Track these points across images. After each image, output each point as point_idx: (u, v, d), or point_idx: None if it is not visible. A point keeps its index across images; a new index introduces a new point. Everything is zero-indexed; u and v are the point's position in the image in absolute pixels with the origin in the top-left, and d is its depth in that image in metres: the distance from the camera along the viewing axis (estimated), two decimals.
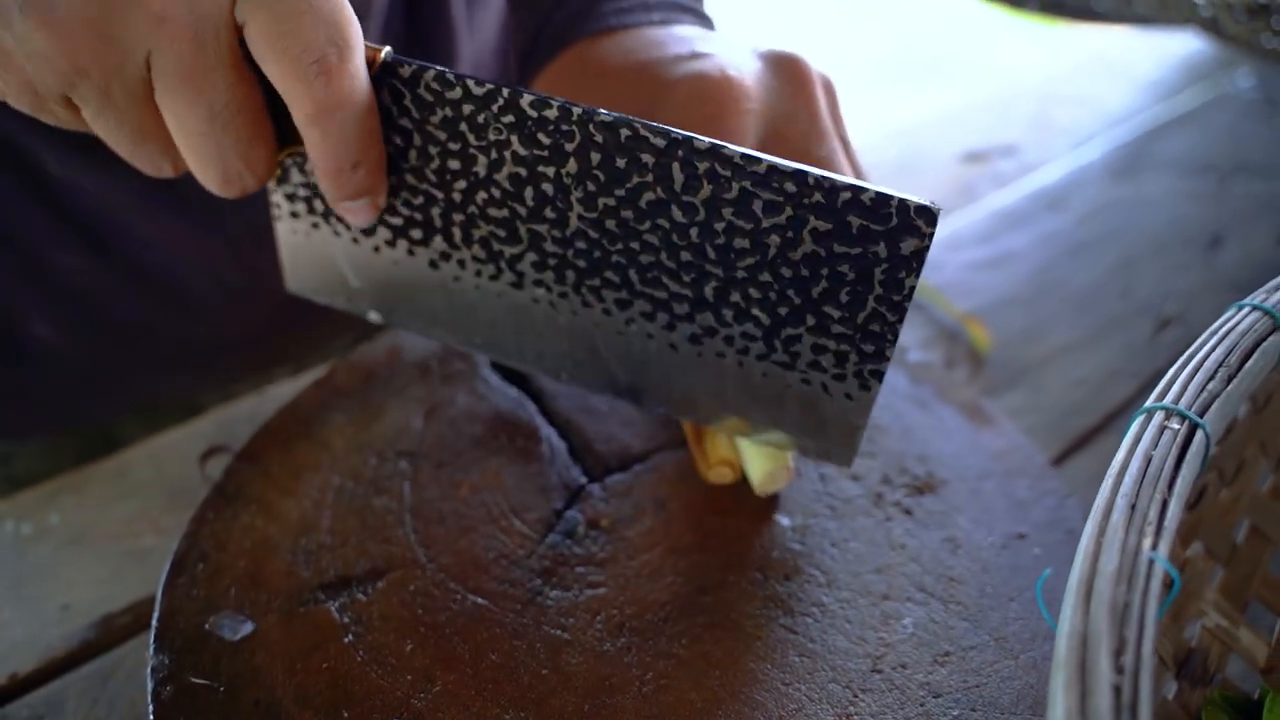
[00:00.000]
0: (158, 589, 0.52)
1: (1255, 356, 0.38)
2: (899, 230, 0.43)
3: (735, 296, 0.47)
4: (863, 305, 0.45)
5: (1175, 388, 0.36)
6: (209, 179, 0.43)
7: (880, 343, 0.46)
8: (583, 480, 0.54)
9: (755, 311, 0.47)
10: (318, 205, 0.50)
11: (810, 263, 0.45)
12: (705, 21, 0.59)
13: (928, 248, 0.43)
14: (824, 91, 0.53)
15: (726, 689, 0.44)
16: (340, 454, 0.54)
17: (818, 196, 0.43)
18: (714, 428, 0.52)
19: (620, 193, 0.46)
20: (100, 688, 0.50)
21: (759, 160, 0.43)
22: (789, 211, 0.44)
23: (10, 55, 0.38)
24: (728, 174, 0.44)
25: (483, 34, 0.81)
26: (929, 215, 0.42)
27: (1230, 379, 0.37)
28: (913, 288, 0.44)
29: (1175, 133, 1.09)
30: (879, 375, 0.47)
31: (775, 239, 0.45)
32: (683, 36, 0.54)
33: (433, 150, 0.47)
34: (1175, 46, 1.28)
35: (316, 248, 0.53)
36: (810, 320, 0.46)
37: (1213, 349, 0.38)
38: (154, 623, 0.45)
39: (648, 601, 0.48)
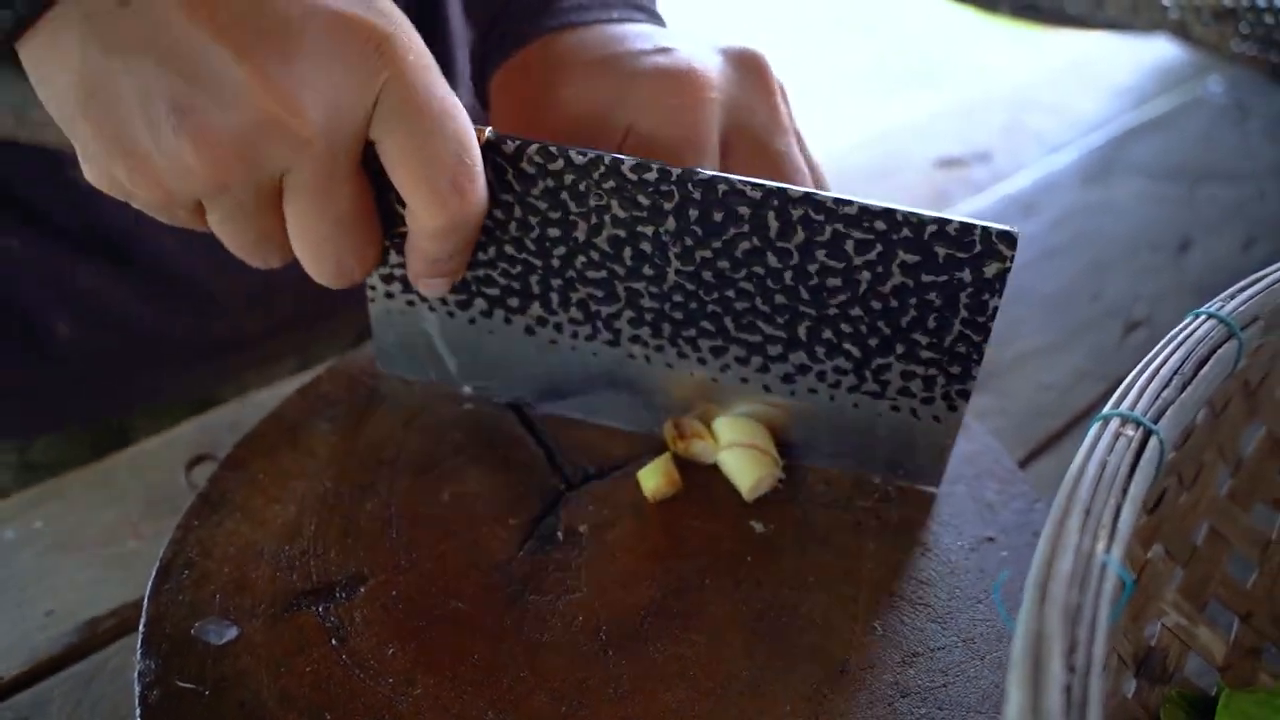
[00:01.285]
0: (144, 594, 0.53)
1: (1210, 364, 0.39)
2: (982, 256, 0.45)
3: (827, 333, 0.49)
4: (949, 329, 0.47)
5: (1131, 395, 0.37)
6: (322, 276, 0.46)
7: (967, 363, 0.48)
8: (561, 487, 0.54)
9: (847, 346, 0.49)
10: None
11: (899, 294, 0.47)
12: (659, 21, 0.60)
13: (1009, 269, 0.45)
14: (779, 87, 0.55)
15: (700, 690, 0.45)
16: (324, 461, 0.55)
17: (906, 231, 0.45)
18: (805, 463, 0.55)
19: (717, 245, 0.48)
20: (84, 690, 0.50)
21: (850, 203, 0.45)
22: (879, 248, 0.46)
23: (152, 162, 0.40)
24: (820, 218, 0.46)
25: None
26: (1009, 239, 0.45)
27: (1185, 386, 0.38)
28: (996, 308, 0.46)
29: (1146, 138, 1.10)
30: (965, 395, 0.49)
31: (866, 274, 0.47)
32: (644, 33, 0.56)
33: (533, 220, 0.49)
34: (1149, 52, 1.29)
35: (410, 324, 0.55)
36: (900, 349, 0.49)
37: (1169, 357, 0.39)
38: (141, 628, 0.46)
39: (624, 605, 0.48)
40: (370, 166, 0.44)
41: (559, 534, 0.52)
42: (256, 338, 0.81)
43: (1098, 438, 0.35)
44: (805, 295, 0.48)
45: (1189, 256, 0.90)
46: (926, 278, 0.46)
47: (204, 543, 0.50)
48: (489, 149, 0.47)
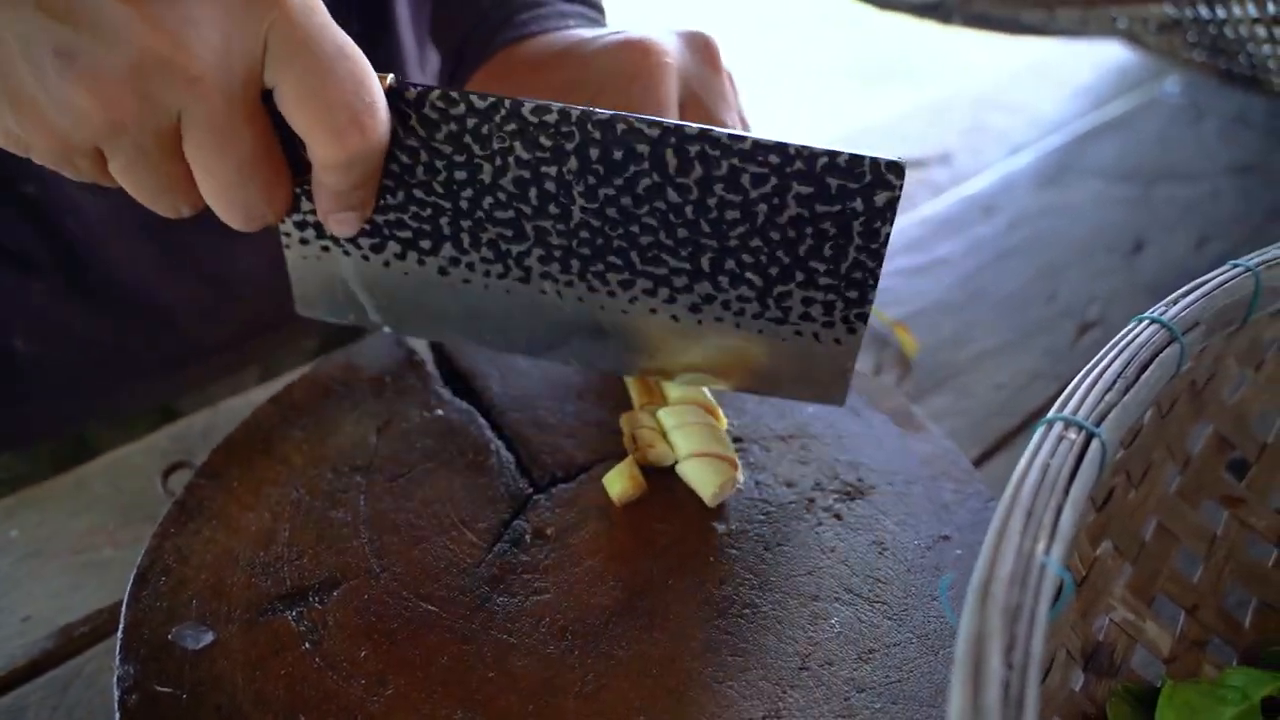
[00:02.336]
0: (119, 600, 0.53)
1: (1153, 367, 0.40)
2: (872, 185, 0.47)
3: (730, 264, 0.51)
4: (845, 256, 0.49)
5: (1075, 399, 0.38)
6: (233, 220, 0.46)
7: (862, 288, 0.50)
8: (529, 490, 0.55)
9: (749, 275, 0.51)
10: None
11: (796, 224, 0.49)
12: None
13: (899, 197, 0.48)
14: (726, 69, 0.57)
15: (663, 687, 0.46)
16: (298, 468, 0.56)
17: (799, 164, 0.47)
18: (713, 386, 0.56)
19: (619, 182, 0.49)
20: (60, 695, 0.51)
21: (744, 138, 0.47)
22: (774, 181, 0.48)
23: (42, 110, 0.40)
24: (716, 153, 0.47)
25: (433, 66, 0.83)
26: (898, 169, 0.47)
27: (1128, 390, 0.39)
28: (888, 235, 0.49)
29: (1103, 139, 1.12)
30: (864, 318, 0.51)
31: (763, 207, 0.49)
32: (598, 30, 0.58)
33: (439, 164, 0.50)
34: (1108, 54, 1.31)
35: (327, 269, 0.55)
36: (799, 276, 0.50)
37: (1112, 361, 0.40)
38: (119, 634, 0.47)
39: (589, 606, 0.49)
40: (274, 112, 0.44)
41: (527, 537, 0.53)
42: (214, 348, 0.81)
43: (1041, 441, 0.36)
44: (706, 228, 0.50)
45: (1143, 257, 0.91)
46: (821, 208, 0.48)
47: (181, 549, 0.51)
48: (392, 96, 0.47)
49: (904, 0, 1.08)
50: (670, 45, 0.54)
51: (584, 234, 0.51)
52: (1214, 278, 0.45)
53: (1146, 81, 1.25)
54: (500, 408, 0.61)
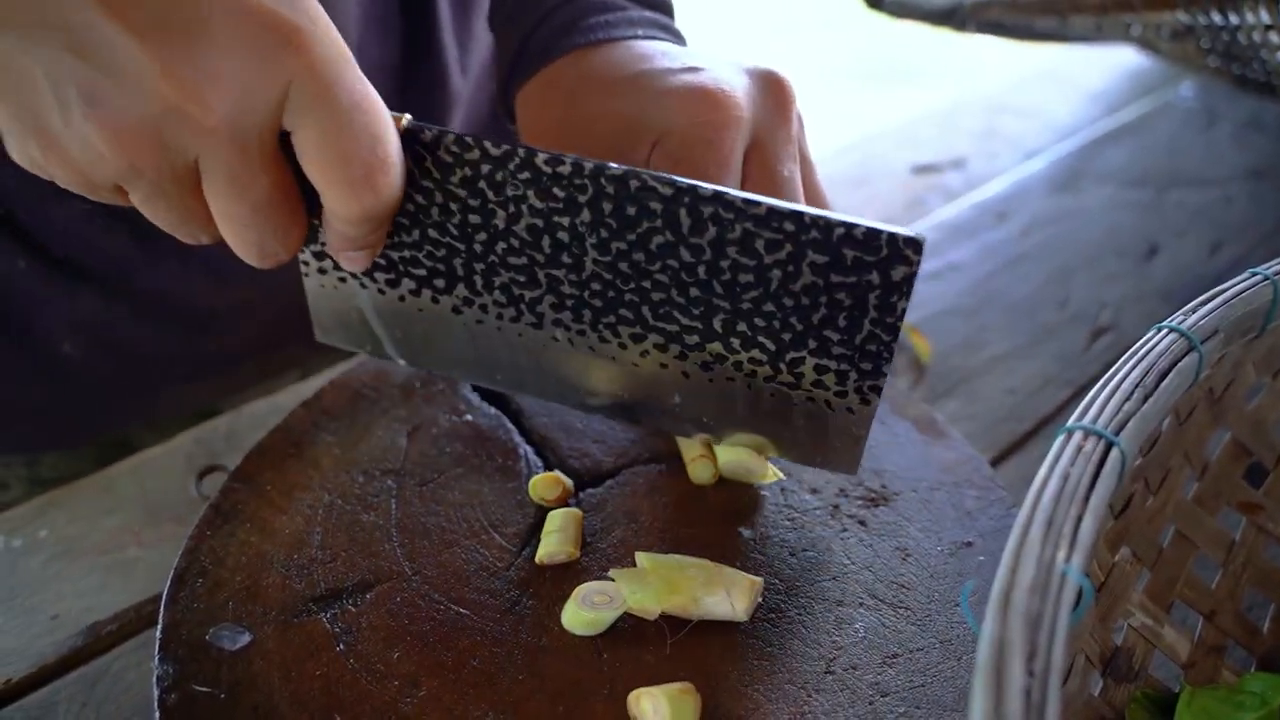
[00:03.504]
0: (150, 600, 0.55)
1: (1171, 376, 0.40)
2: (889, 260, 0.46)
3: (742, 326, 0.50)
4: (859, 328, 0.48)
5: (1094, 408, 0.38)
6: (248, 257, 0.46)
7: (877, 360, 0.49)
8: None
9: (761, 339, 0.50)
10: None
11: (810, 292, 0.48)
12: (682, 41, 0.61)
13: (915, 274, 0.47)
14: (797, 114, 0.56)
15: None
16: (329, 473, 0.57)
17: (814, 233, 0.46)
18: (726, 443, 0.56)
19: (631, 237, 0.49)
20: (89, 692, 0.52)
21: (759, 204, 0.46)
22: (789, 248, 0.47)
23: (65, 145, 0.41)
24: (730, 216, 0.47)
25: (474, 71, 0.83)
26: (915, 245, 0.46)
27: (1146, 398, 0.39)
28: (904, 310, 0.47)
29: (1117, 144, 1.12)
30: (878, 390, 0.50)
31: (777, 273, 0.48)
32: (670, 51, 0.57)
33: (454, 206, 0.50)
34: (1122, 59, 1.31)
35: (344, 300, 0.55)
36: (812, 344, 0.50)
37: (1131, 370, 0.40)
38: (158, 634, 0.47)
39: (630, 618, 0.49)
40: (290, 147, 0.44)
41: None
42: (253, 352, 0.82)
43: (1061, 450, 0.36)
44: (719, 289, 0.49)
45: (1156, 262, 0.91)
46: (836, 278, 0.47)
47: (216, 552, 0.52)
48: (408, 137, 0.47)
49: (919, 7, 1.08)
50: (742, 94, 0.53)
51: (596, 285, 0.51)
52: (1232, 286, 0.46)
53: (1160, 87, 1.25)
54: (528, 413, 0.61)
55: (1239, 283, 0.46)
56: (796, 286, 0.48)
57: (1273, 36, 0.86)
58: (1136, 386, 0.40)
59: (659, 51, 0.57)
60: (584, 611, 0.48)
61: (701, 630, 0.49)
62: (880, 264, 0.46)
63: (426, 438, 0.59)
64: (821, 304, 0.48)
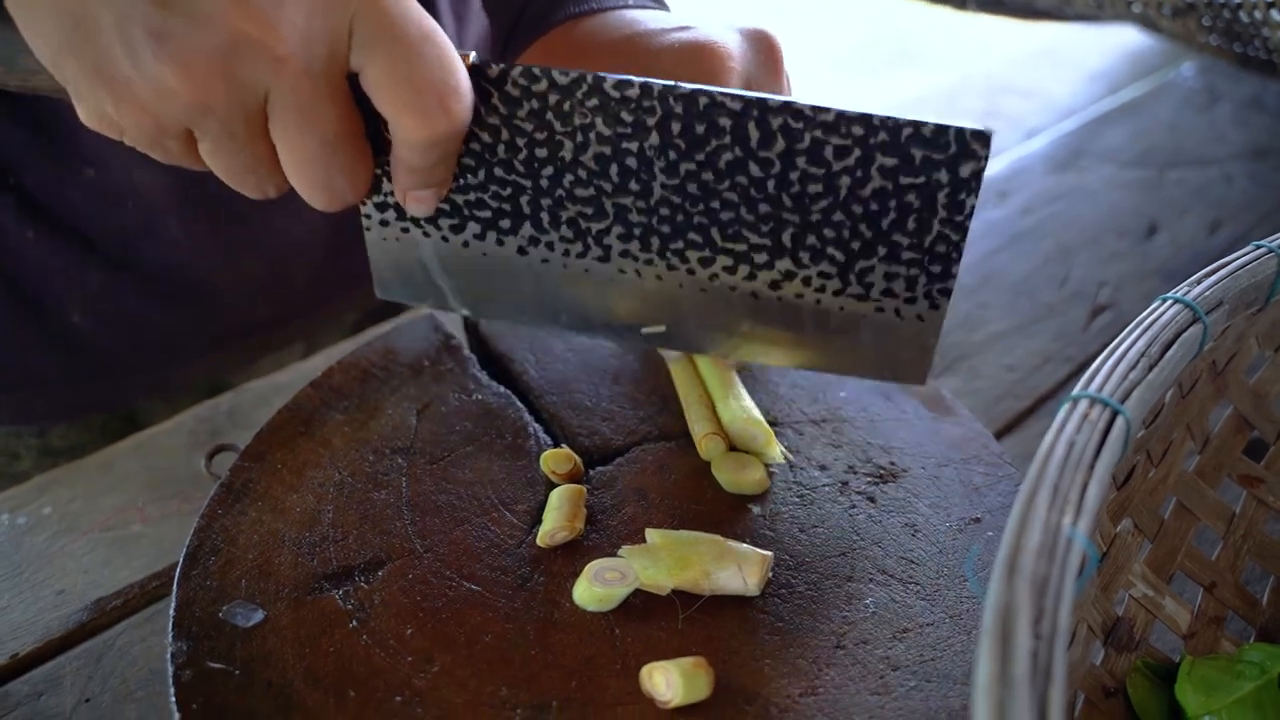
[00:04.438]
0: (149, 575, 0.56)
1: (1176, 347, 0.41)
2: (958, 156, 0.46)
3: (811, 239, 0.50)
4: (929, 229, 0.49)
5: (1099, 377, 0.38)
6: (315, 199, 0.46)
7: (946, 262, 0.50)
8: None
9: (831, 250, 0.50)
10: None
11: (879, 197, 0.48)
12: (665, 9, 0.62)
13: (984, 168, 0.47)
14: (786, 76, 0.57)
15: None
16: (340, 451, 0.57)
17: (883, 135, 0.46)
18: (792, 366, 0.56)
19: (700, 157, 0.49)
20: (94, 665, 0.53)
21: (827, 110, 0.46)
22: (858, 153, 0.47)
23: (136, 91, 0.41)
24: (799, 126, 0.47)
25: (470, 44, 0.84)
26: (983, 138, 0.46)
27: (1151, 368, 0.40)
28: (973, 206, 0.48)
29: (1117, 123, 1.12)
30: (947, 293, 0.50)
31: (846, 180, 0.48)
32: (662, 15, 0.58)
33: (520, 142, 0.49)
34: (1123, 39, 1.31)
35: (406, 251, 0.55)
36: (882, 250, 0.50)
37: (1136, 340, 0.41)
38: (171, 612, 0.48)
39: (643, 593, 0.50)
40: (357, 94, 0.45)
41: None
42: (260, 325, 0.83)
43: (1067, 418, 0.37)
44: (788, 203, 0.49)
45: (1155, 241, 0.92)
46: (905, 180, 0.47)
47: (228, 530, 0.52)
48: (474, 73, 0.47)
49: None
50: (734, 47, 0.54)
51: (664, 211, 0.51)
52: (1237, 258, 0.46)
53: (1161, 67, 1.25)
54: (537, 391, 0.61)
55: (1243, 255, 0.46)
56: (865, 192, 0.48)
57: (1274, 14, 0.86)
58: (1141, 356, 0.40)
59: (651, 16, 0.58)
60: (596, 588, 0.48)
61: (712, 606, 0.49)
62: (949, 161, 0.47)
63: (436, 416, 0.59)
64: (891, 208, 0.48)
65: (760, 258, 0.51)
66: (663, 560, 0.49)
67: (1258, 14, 0.87)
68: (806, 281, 0.51)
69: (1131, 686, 0.46)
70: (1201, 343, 0.43)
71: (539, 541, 0.52)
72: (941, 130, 0.46)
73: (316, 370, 0.65)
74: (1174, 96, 1.18)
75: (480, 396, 0.61)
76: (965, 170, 0.47)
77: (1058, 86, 1.22)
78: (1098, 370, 0.39)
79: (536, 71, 0.48)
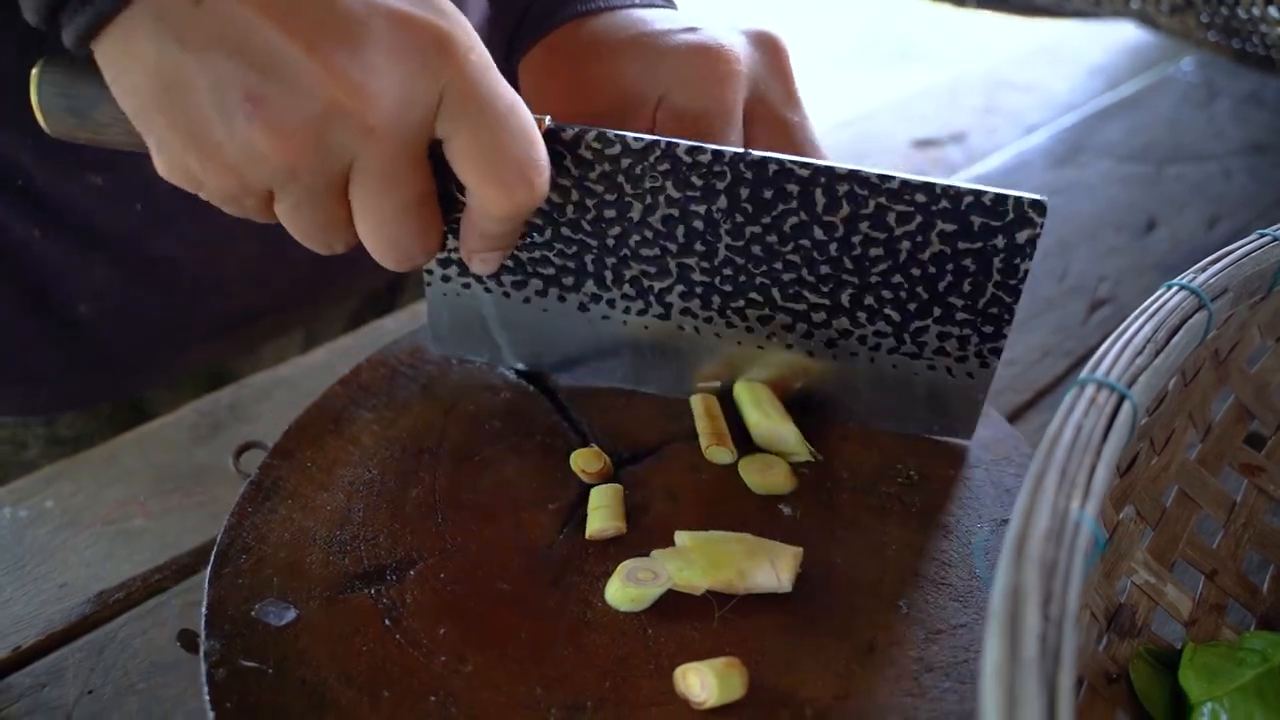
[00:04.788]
0: (151, 568, 0.57)
1: (1181, 333, 0.42)
2: (1015, 223, 0.48)
3: (869, 300, 0.51)
4: (983, 292, 0.50)
5: (1106, 362, 0.39)
6: (385, 259, 0.48)
7: (998, 323, 0.51)
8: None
9: (888, 310, 0.52)
10: None
11: (938, 260, 0.50)
12: (673, 8, 0.63)
13: (1039, 235, 0.48)
14: (791, 67, 0.57)
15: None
16: (369, 449, 0.57)
17: (944, 203, 0.48)
18: (846, 419, 0.57)
19: (766, 220, 0.50)
20: (96, 658, 0.54)
21: (892, 178, 0.48)
22: (919, 219, 0.49)
23: (225, 153, 0.42)
24: (864, 193, 0.49)
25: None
26: (1040, 207, 0.48)
27: (1157, 354, 0.40)
28: (1027, 271, 0.49)
29: (1116, 119, 1.12)
30: (997, 352, 0.52)
31: (906, 244, 0.50)
32: (668, 15, 0.58)
33: (589, 202, 0.51)
34: (1123, 34, 1.31)
35: (466, 305, 0.56)
36: (937, 311, 0.51)
37: (1142, 326, 0.41)
38: (204, 611, 0.48)
39: (675, 595, 0.50)
40: (431, 154, 0.45)
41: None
42: (262, 312, 0.84)
43: (1074, 402, 0.37)
44: (849, 265, 0.51)
45: (1154, 236, 0.93)
46: (963, 245, 0.49)
47: (259, 529, 0.53)
48: (549, 137, 0.48)
49: None
50: (740, 50, 0.55)
51: (727, 271, 0.52)
52: (1241, 246, 0.47)
53: (1160, 62, 1.25)
54: (566, 390, 0.61)
55: (1249, 242, 0.47)
56: (925, 256, 0.50)
57: (1272, 10, 0.87)
58: (1148, 342, 0.41)
59: (657, 16, 0.58)
60: (629, 588, 0.49)
61: (744, 607, 0.49)
62: (1006, 228, 0.48)
63: (465, 414, 0.60)
64: (948, 271, 0.50)
65: (819, 316, 0.53)
66: (696, 560, 0.50)
67: (1255, 10, 0.88)
68: (862, 340, 0.53)
69: (1134, 673, 0.46)
70: (1206, 330, 0.43)
71: (588, 534, 0.52)
72: (1001, 199, 0.48)
73: (317, 363, 0.66)
74: (1173, 92, 1.18)
75: (509, 395, 0.61)
76: (1021, 237, 0.49)
77: (1057, 82, 1.22)
78: (1104, 355, 0.40)
79: (611, 136, 0.49)
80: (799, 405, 0.56)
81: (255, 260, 0.79)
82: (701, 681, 0.45)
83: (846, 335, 0.53)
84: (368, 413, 0.60)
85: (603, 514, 0.53)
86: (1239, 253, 0.46)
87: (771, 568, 0.50)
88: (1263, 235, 0.47)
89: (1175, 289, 0.44)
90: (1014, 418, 0.72)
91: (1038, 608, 0.29)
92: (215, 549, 0.52)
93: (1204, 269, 0.45)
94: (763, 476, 0.56)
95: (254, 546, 0.52)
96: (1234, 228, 0.94)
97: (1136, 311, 0.43)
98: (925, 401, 0.55)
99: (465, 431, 0.59)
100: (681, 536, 0.52)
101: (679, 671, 0.46)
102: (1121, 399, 0.38)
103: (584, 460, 0.56)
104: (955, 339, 0.52)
